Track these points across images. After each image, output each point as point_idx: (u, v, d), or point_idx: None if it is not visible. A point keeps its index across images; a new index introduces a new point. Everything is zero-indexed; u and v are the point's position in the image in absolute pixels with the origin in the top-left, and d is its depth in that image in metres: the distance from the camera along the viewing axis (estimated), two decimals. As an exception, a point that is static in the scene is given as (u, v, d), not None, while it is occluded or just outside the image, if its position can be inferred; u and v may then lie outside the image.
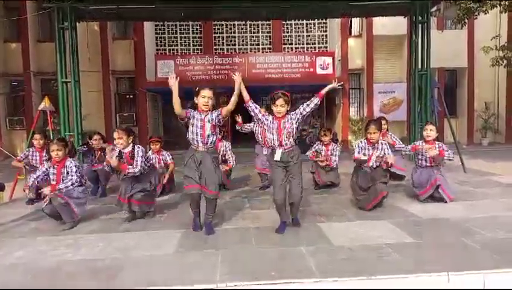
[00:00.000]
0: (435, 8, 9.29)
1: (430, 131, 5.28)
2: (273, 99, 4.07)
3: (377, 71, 14.40)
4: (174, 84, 4.00)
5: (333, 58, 13.66)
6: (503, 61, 10.05)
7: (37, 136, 5.94)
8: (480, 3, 8.92)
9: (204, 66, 13.37)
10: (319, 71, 13.38)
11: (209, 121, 4.04)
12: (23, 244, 4.07)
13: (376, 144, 4.96)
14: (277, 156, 4.08)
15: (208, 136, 4.04)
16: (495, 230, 4.11)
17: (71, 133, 8.18)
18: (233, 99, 4.05)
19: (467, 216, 4.67)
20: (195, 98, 4.08)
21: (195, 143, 4.07)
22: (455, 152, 7.63)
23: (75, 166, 4.67)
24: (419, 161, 5.45)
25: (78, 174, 4.66)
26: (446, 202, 5.21)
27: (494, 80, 14.83)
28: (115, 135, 4.73)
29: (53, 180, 4.64)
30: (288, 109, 4.10)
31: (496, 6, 9.16)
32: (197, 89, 4.09)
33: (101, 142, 6.46)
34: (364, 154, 4.95)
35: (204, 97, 4.02)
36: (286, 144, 4.06)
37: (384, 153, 4.91)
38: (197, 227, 4.28)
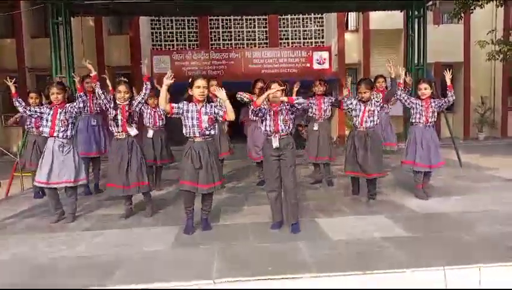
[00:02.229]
0: (430, 3, 9.26)
1: (425, 89, 5.22)
2: (268, 87, 4.04)
3: (374, 66, 14.37)
4: (167, 82, 3.90)
5: (330, 53, 13.64)
6: (499, 56, 10.07)
7: (32, 94, 5.86)
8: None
9: (201, 61, 13.33)
10: (315, 66, 13.36)
11: (205, 114, 3.99)
12: (19, 241, 4.05)
13: (367, 101, 4.97)
14: (275, 143, 4.03)
15: (206, 128, 3.99)
16: (491, 224, 4.13)
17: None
18: (228, 107, 3.94)
19: (463, 210, 4.69)
20: (189, 89, 4.00)
21: (192, 134, 3.99)
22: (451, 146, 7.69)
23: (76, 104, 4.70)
24: (416, 119, 5.29)
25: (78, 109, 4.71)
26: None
27: (490, 74, 14.85)
28: (122, 88, 4.63)
29: (48, 120, 4.55)
30: (283, 94, 4.05)
31: (492, 1, 9.15)
32: (190, 80, 4.03)
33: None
34: (354, 110, 5.01)
35: (199, 87, 3.95)
36: (282, 130, 4.03)
37: (375, 106, 4.95)
38: (189, 229, 4.12)
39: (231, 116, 3.98)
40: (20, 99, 4.80)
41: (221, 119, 4.06)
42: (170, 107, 3.93)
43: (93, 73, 4.89)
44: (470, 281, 3.08)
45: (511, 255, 3.26)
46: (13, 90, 4.92)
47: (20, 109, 4.74)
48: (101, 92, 4.70)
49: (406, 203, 5.07)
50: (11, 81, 5.02)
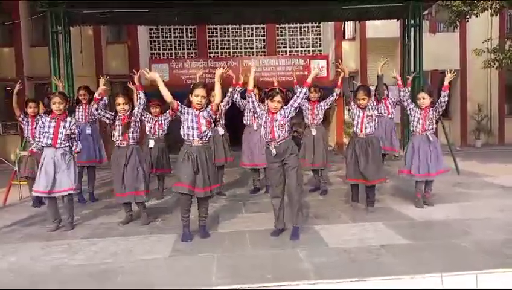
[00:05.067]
0: (426, 12, 9.35)
1: (423, 99, 5.22)
2: (270, 96, 4.09)
3: (371, 74, 14.45)
4: (154, 75, 4.10)
5: (327, 62, 13.72)
6: (494, 64, 10.14)
7: (31, 104, 5.94)
8: (471, 6, 9.01)
9: (199, 69, 13.38)
10: (313, 74, 13.43)
11: (204, 117, 4.07)
12: (17, 249, 4.05)
13: (365, 108, 5.00)
14: (273, 150, 4.06)
15: (204, 131, 4.05)
16: (488, 231, 4.16)
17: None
18: (217, 89, 4.10)
19: (461, 218, 4.71)
20: (189, 95, 4.09)
21: (191, 138, 4.04)
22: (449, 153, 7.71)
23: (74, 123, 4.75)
24: (413, 128, 5.33)
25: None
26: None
27: (486, 82, 14.94)
28: (121, 100, 4.69)
29: (48, 132, 4.56)
30: (283, 105, 4.12)
31: (487, 9, 9.25)
32: (191, 87, 4.13)
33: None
34: (354, 116, 5.04)
35: (198, 96, 4.03)
36: (278, 136, 4.04)
37: (372, 110, 4.98)
38: (186, 237, 4.12)
39: (218, 99, 4.12)
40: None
41: (212, 113, 4.12)
42: (176, 103, 4.04)
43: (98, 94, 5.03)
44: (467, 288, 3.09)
45: (508, 263, 3.28)
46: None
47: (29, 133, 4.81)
48: (96, 112, 4.86)
49: (405, 211, 5.08)
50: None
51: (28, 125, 5.97)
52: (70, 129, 4.64)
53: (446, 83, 5.23)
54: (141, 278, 3.25)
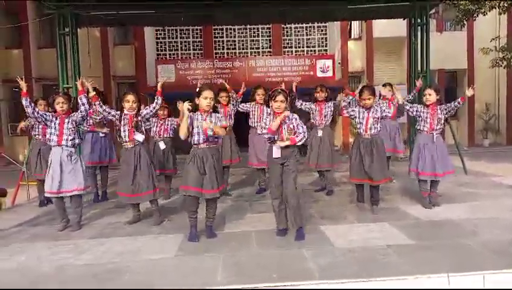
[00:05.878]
0: (433, 11, 9.28)
1: (429, 95, 5.16)
2: (272, 96, 4.10)
3: (377, 73, 14.41)
4: (185, 109, 3.96)
5: (333, 61, 13.69)
6: (502, 62, 10.05)
7: (41, 102, 5.96)
8: (479, 4, 8.93)
9: (205, 70, 13.43)
10: (319, 74, 13.40)
11: (210, 122, 4.07)
12: (25, 249, 4.09)
13: (371, 108, 4.95)
14: (276, 154, 4.07)
15: (210, 135, 4.06)
16: (496, 231, 4.12)
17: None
18: (219, 129, 4.05)
19: (468, 217, 4.67)
20: (196, 99, 4.10)
21: (197, 141, 4.08)
22: (456, 153, 7.67)
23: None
24: (420, 126, 5.27)
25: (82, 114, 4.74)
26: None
27: (494, 81, 14.84)
28: (131, 97, 4.70)
29: (55, 128, 4.62)
30: (286, 106, 4.11)
31: (495, 8, 9.17)
32: (198, 90, 4.14)
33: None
34: (357, 117, 5.00)
35: (207, 98, 4.05)
36: (287, 139, 4.06)
37: (381, 112, 4.95)
38: (193, 237, 4.14)
39: (220, 133, 4.07)
40: (30, 100, 4.65)
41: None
42: (188, 129, 4.01)
43: (92, 93, 4.89)
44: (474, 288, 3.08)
45: (516, 262, 3.26)
46: (24, 89, 4.70)
47: (29, 110, 4.62)
48: (102, 109, 4.85)
49: (410, 211, 5.06)
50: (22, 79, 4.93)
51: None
52: (74, 121, 4.68)
53: (466, 96, 5.29)
54: (147, 278, 3.26)
